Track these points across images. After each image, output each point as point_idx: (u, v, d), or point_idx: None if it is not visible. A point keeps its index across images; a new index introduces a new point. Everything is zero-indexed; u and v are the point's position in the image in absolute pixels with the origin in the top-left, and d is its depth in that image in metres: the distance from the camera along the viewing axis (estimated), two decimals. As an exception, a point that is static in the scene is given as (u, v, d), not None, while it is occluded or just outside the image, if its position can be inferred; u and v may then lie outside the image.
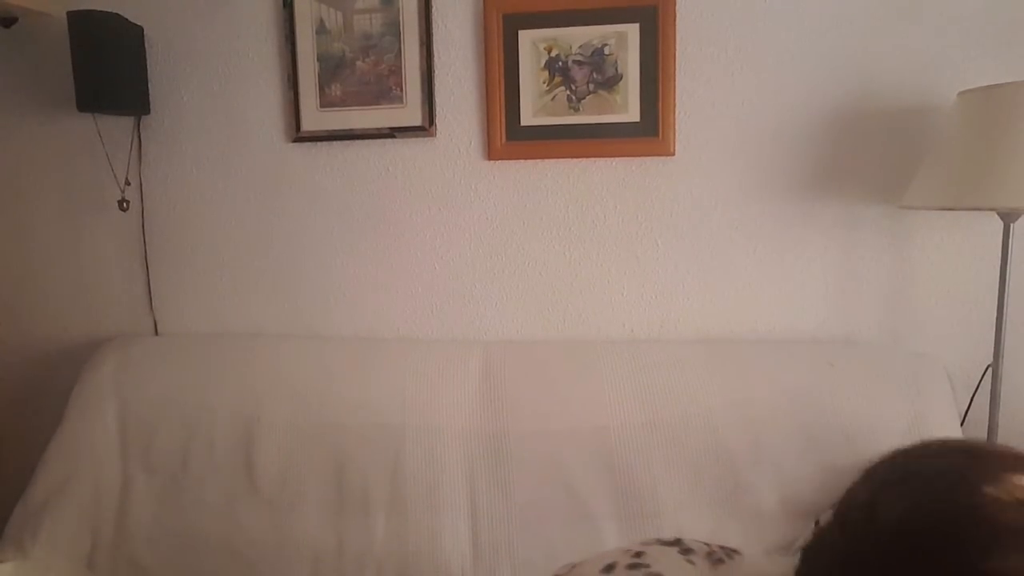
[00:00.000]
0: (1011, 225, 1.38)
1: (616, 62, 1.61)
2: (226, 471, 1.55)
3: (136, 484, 1.58)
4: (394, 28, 1.67)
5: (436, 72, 1.68)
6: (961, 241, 1.56)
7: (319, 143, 1.74)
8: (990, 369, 1.44)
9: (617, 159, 1.65)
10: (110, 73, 1.65)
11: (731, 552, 0.68)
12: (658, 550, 0.68)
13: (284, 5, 1.70)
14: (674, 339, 1.68)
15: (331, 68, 1.70)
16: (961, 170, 1.34)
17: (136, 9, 1.72)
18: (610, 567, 0.65)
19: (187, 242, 1.82)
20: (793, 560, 0.60)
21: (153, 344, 1.78)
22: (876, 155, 1.57)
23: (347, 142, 1.73)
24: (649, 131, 1.61)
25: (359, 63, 1.69)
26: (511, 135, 1.66)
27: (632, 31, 1.59)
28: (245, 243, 1.81)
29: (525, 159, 1.68)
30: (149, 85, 1.77)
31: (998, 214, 1.39)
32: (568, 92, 1.63)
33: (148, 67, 1.76)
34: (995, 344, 1.41)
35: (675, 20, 1.57)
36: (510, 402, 1.53)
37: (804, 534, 1.36)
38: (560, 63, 1.63)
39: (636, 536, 1.39)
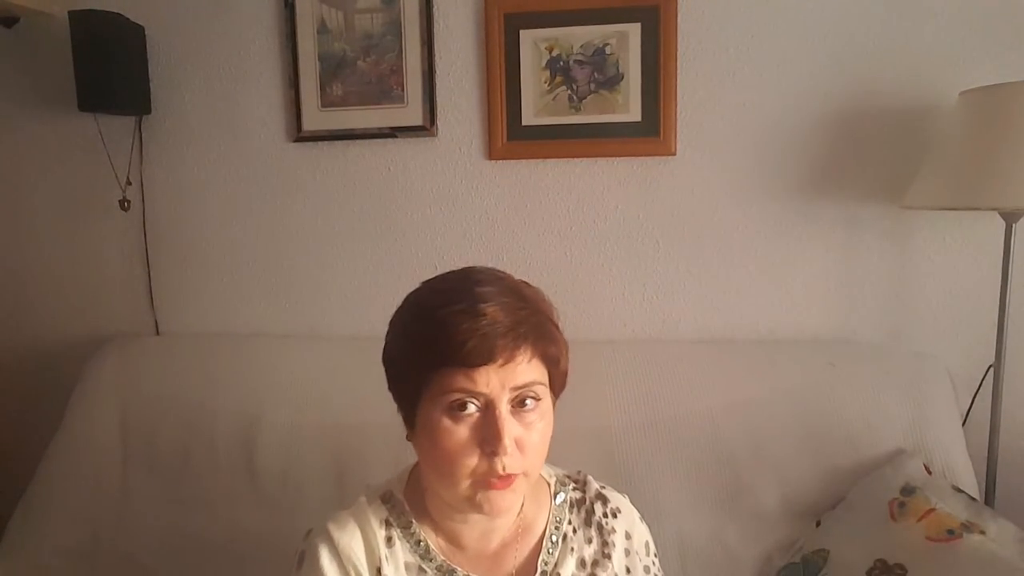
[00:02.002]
0: (1013, 225, 1.38)
1: (617, 62, 1.61)
2: (226, 471, 1.55)
3: (137, 484, 1.58)
4: (395, 28, 1.67)
5: (437, 72, 1.68)
6: (962, 241, 1.56)
7: (320, 143, 1.74)
8: (992, 369, 1.44)
9: (618, 159, 1.65)
10: (111, 73, 1.65)
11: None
12: None
13: (285, 5, 1.70)
14: (674, 339, 1.67)
15: (332, 68, 1.70)
16: (962, 170, 1.34)
17: (137, 9, 1.72)
18: None
19: (188, 242, 1.82)
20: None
21: (154, 344, 1.78)
22: (877, 155, 1.57)
23: (348, 142, 1.73)
24: (650, 131, 1.61)
25: (360, 63, 1.69)
26: (512, 135, 1.66)
27: (633, 31, 1.59)
28: (246, 243, 1.81)
29: (526, 159, 1.68)
30: (150, 85, 1.77)
31: (1000, 214, 1.39)
32: (569, 92, 1.63)
33: (149, 67, 1.76)
34: (997, 344, 1.41)
35: (676, 20, 1.57)
36: (511, 402, 1.53)
37: (805, 534, 1.36)
38: (561, 63, 1.62)
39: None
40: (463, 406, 0.74)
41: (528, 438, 0.76)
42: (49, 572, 1.45)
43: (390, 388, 0.83)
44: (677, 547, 1.38)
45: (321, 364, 1.64)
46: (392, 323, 0.82)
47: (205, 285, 1.83)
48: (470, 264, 0.84)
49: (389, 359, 0.82)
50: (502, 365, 0.73)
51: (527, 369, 0.75)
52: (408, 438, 0.82)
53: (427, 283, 0.81)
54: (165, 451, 1.58)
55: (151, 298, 1.85)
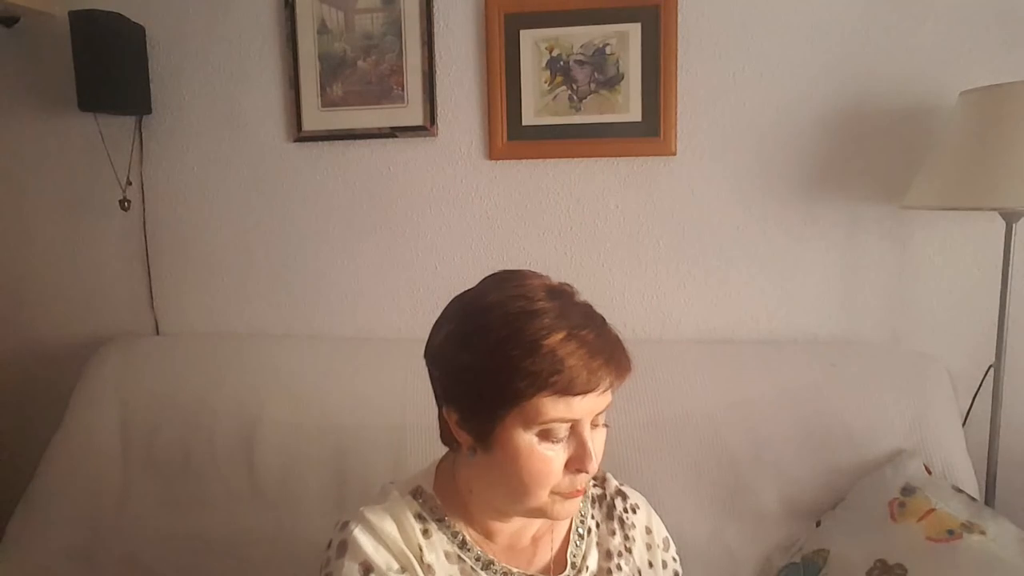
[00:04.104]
0: (1013, 225, 1.38)
1: (617, 62, 1.61)
2: (227, 470, 1.55)
3: (137, 483, 1.58)
4: (395, 28, 1.67)
5: (437, 72, 1.68)
6: (963, 241, 1.56)
7: (320, 143, 1.74)
8: (992, 369, 1.44)
9: (618, 159, 1.65)
10: (111, 73, 1.65)
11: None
12: None
13: (286, 5, 1.70)
14: (674, 339, 1.67)
15: (332, 68, 1.70)
16: (963, 170, 1.34)
17: (138, 9, 1.72)
18: None
19: (188, 242, 1.82)
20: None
21: (154, 344, 1.78)
22: (878, 155, 1.57)
23: (348, 142, 1.73)
24: (650, 131, 1.61)
25: (360, 63, 1.69)
26: (512, 135, 1.66)
27: (633, 31, 1.59)
28: (246, 243, 1.80)
29: (526, 159, 1.68)
30: (150, 85, 1.77)
31: (1000, 214, 1.39)
32: (569, 92, 1.63)
33: (150, 67, 1.76)
34: (997, 344, 1.41)
35: (677, 20, 1.57)
36: (511, 402, 1.53)
37: (805, 534, 1.36)
38: (561, 63, 1.62)
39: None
40: (557, 431, 0.75)
41: (599, 447, 0.78)
42: (49, 572, 1.45)
43: (451, 399, 0.80)
44: (677, 547, 1.37)
45: (321, 364, 1.64)
46: (468, 336, 0.77)
47: (205, 285, 1.83)
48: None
49: (463, 374, 0.77)
50: (601, 393, 0.75)
51: (610, 391, 0.77)
52: (470, 448, 0.80)
53: (501, 293, 0.77)
54: (165, 451, 1.58)
55: (151, 298, 1.85)
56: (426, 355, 0.83)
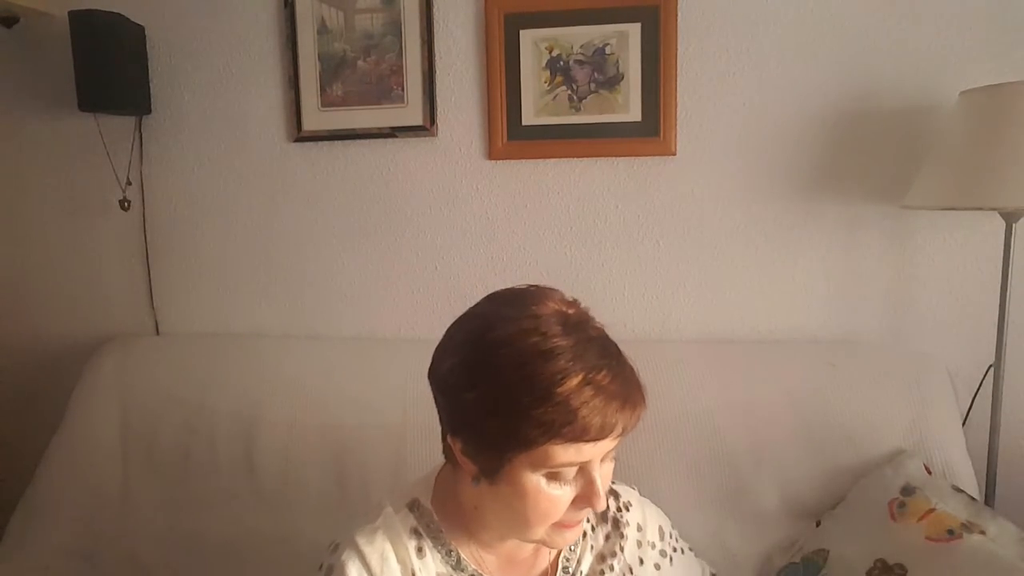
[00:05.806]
0: (1013, 225, 1.38)
1: (617, 62, 1.61)
2: (227, 470, 1.55)
3: (137, 483, 1.58)
4: (395, 28, 1.67)
5: (437, 72, 1.68)
6: (963, 241, 1.56)
7: (320, 143, 1.74)
8: (992, 369, 1.44)
9: (618, 159, 1.65)
10: (111, 73, 1.65)
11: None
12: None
13: (285, 5, 1.70)
14: (674, 339, 1.67)
15: (332, 68, 1.70)
16: (963, 170, 1.34)
17: (137, 9, 1.72)
18: None
19: (188, 242, 1.82)
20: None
21: (154, 344, 1.79)
22: (878, 155, 1.57)
23: (348, 142, 1.73)
24: (650, 131, 1.61)
25: (360, 63, 1.69)
26: (512, 135, 1.66)
27: (633, 31, 1.59)
28: (246, 243, 1.81)
29: (526, 159, 1.68)
30: (150, 85, 1.77)
31: (1000, 214, 1.39)
32: (569, 92, 1.63)
33: (149, 67, 1.76)
34: (997, 344, 1.41)
35: (677, 20, 1.57)
36: (511, 402, 1.52)
37: (805, 534, 1.36)
38: (561, 63, 1.62)
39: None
40: (566, 473, 0.74)
41: (607, 481, 0.77)
42: (49, 572, 1.45)
43: (456, 430, 0.78)
44: (677, 547, 1.38)
45: (321, 364, 1.64)
46: (476, 373, 0.74)
47: (205, 285, 1.83)
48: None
49: (469, 411, 0.74)
50: (615, 437, 0.73)
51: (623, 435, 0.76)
52: (475, 477, 0.78)
53: (513, 325, 0.73)
54: (165, 451, 1.58)
55: (151, 298, 1.85)
56: (430, 378, 0.81)
